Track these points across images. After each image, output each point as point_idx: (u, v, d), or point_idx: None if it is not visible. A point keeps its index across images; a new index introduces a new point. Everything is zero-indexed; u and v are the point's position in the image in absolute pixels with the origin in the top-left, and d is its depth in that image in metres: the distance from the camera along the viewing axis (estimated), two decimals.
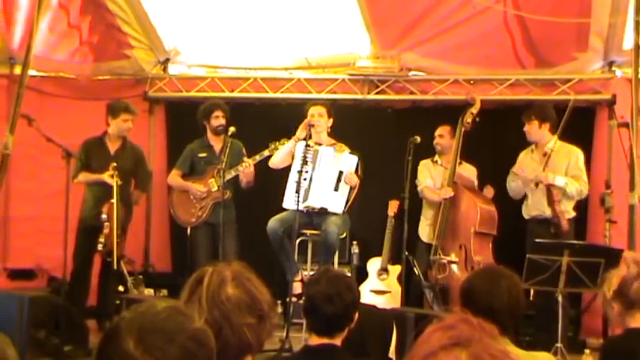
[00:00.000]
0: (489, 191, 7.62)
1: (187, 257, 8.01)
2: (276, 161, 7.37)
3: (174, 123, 9.19)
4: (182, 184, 7.81)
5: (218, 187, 7.55)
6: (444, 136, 7.75)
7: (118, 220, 7.21)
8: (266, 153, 7.46)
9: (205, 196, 7.67)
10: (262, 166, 7.59)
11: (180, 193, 7.84)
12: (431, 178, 7.80)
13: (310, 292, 3.53)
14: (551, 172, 6.96)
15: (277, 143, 7.38)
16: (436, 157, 7.86)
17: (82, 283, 7.64)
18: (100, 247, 7.24)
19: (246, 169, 7.49)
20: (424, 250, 7.53)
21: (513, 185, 7.41)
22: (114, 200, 7.19)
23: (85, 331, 6.84)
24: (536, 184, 6.99)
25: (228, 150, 7.50)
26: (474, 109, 7.39)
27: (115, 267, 7.22)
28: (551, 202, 6.89)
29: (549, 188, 6.90)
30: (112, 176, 7.24)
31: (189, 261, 7.87)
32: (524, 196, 7.41)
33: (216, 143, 7.78)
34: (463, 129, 7.40)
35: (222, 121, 7.70)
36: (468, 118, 7.38)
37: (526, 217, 7.37)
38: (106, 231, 7.25)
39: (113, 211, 7.19)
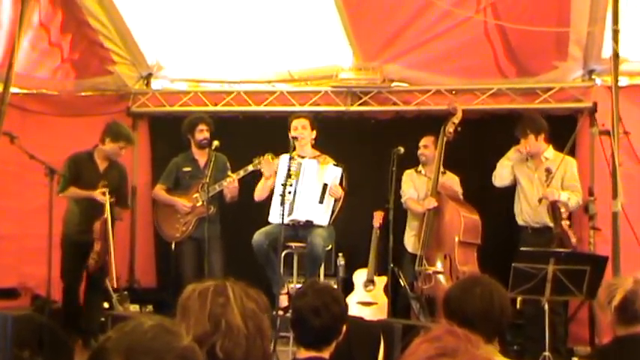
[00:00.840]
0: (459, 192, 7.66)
1: (172, 272, 8.01)
2: (260, 195, 7.44)
3: (158, 138, 9.17)
4: (167, 198, 7.80)
5: (203, 202, 7.55)
6: (428, 147, 7.77)
7: (114, 237, 7.28)
8: (250, 168, 7.46)
9: (190, 211, 7.66)
10: (247, 181, 7.60)
11: (165, 207, 7.84)
12: (414, 188, 7.82)
13: (297, 305, 3.52)
14: (556, 189, 6.98)
15: (261, 158, 7.39)
16: (420, 168, 7.88)
17: (76, 302, 7.61)
18: (92, 262, 7.26)
19: (230, 184, 7.50)
20: (410, 260, 7.54)
21: (505, 172, 7.41)
22: (107, 217, 7.23)
23: (70, 350, 6.78)
24: (540, 200, 7.00)
25: (212, 164, 7.50)
26: (456, 119, 7.42)
27: (115, 285, 7.33)
28: (557, 218, 6.86)
29: (555, 204, 6.88)
30: (104, 194, 7.28)
31: (173, 276, 7.85)
32: (516, 202, 7.42)
33: (201, 157, 7.79)
34: (445, 139, 7.43)
35: (207, 135, 7.72)
36: (450, 128, 7.41)
37: (520, 222, 7.37)
38: (97, 248, 7.24)
39: (107, 229, 7.24)
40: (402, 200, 7.77)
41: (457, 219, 7.28)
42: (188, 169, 7.79)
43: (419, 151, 7.80)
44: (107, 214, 7.27)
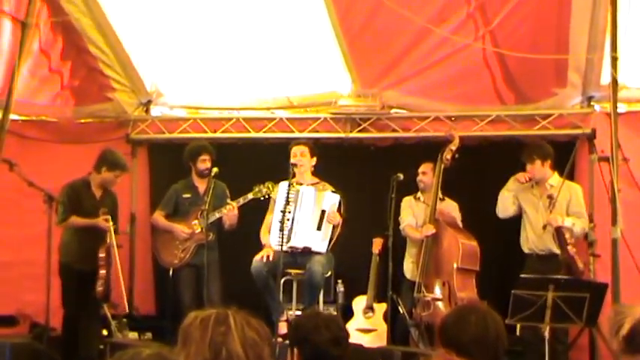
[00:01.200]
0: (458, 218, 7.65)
1: (170, 299, 7.99)
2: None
3: (157, 165, 9.16)
4: (166, 224, 7.80)
5: (201, 228, 7.54)
6: (427, 173, 7.77)
7: (120, 263, 7.37)
8: (250, 196, 7.48)
9: (189, 238, 7.65)
10: (246, 208, 7.59)
11: (164, 233, 7.83)
12: (413, 215, 7.80)
13: (315, 340, 3.49)
14: (559, 215, 6.97)
15: (262, 186, 7.41)
16: (418, 194, 7.87)
17: (75, 332, 7.52)
18: (101, 289, 7.32)
19: (230, 211, 7.50)
20: (409, 287, 7.51)
21: (507, 202, 7.42)
22: (113, 243, 7.35)
23: None
24: (544, 227, 7.00)
25: (211, 191, 7.50)
26: (453, 146, 7.43)
27: (127, 309, 7.61)
28: (563, 244, 6.85)
29: (560, 230, 6.88)
30: (107, 221, 7.34)
31: (171, 303, 7.82)
32: (522, 230, 7.42)
33: (201, 184, 7.81)
34: (443, 165, 7.43)
35: (209, 165, 7.75)
36: (448, 155, 7.42)
37: (526, 250, 7.36)
38: (102, 275, 7.33)
39: (114, 255, 7.34)
40: (401, 227, 7.75)
41: (455, 246, 7.26)
42: (188, 195, 7.80)
43: (417, 178, 7.81)
44: (112, 240, 7.34)
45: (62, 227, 7.53)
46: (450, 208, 7.69)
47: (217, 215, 7.53)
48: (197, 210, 7.67)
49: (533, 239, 7.28)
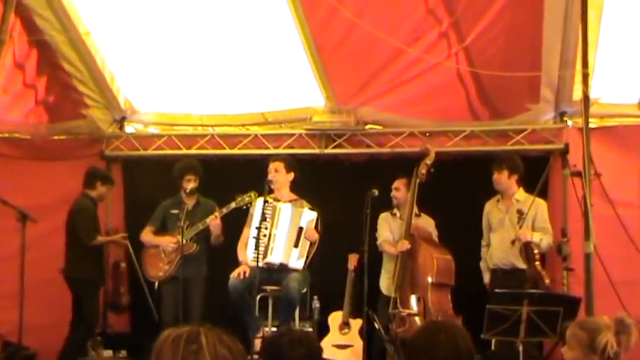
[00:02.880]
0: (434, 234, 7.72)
1: (147, 316, 7.96)
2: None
3: (132, 181, 9.13)
4: (153, 239, 7.86)
5: (186, 240, 7.55)
6: (399, 189, 7.80)
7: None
8: (233, 205, 7.50)
9: (175, 249, 7.62)
10: (231, 221, 7.58)
11: (150, 248, 7.87)
12: (390, 231, 7.83)
13: (291, 357, 3.49)
14: (527, 230, 7.02)
15: (244, 196, 7.40)
16: (394, 210, 7.90)
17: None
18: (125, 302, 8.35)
19: (212, 220, 7.49)
20: (384, 303, 7.52)
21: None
22: (133, 258, 8.01)
23: None
24: (513, 242, 7.04)
25: (191, 205, 7.77)
26: (429, 160, 7.46)
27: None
28: (530, 260, 6.90)
29: (528, 245, 6.93)
30: (125, 238, 8.10)
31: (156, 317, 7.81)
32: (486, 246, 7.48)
33: (189, 201, 7.81)
34: (418, 180, 7.45)
35: (194, 184, 7.81)
36: (423, 169, 7.44)
37: (491, 266, 7.41)
38: (124, 289, 8.35)
39: (136, 268, 7.99)
40: (378, 243, 7.78)
41: (430, 261, 7.28)
42: (175, 211, 7.78)
43: (391, 194, 7.83)
44: (132, 254, 8.02)
45: (92, 244, 7.80)
46: (427, 224, 7.71)
47: (202, 226, 7.56)
48: (184, 224, 7.68)
49: (498, 254, 7.33)
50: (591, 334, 3.51)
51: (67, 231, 7.87)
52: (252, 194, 7.39)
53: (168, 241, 7.69)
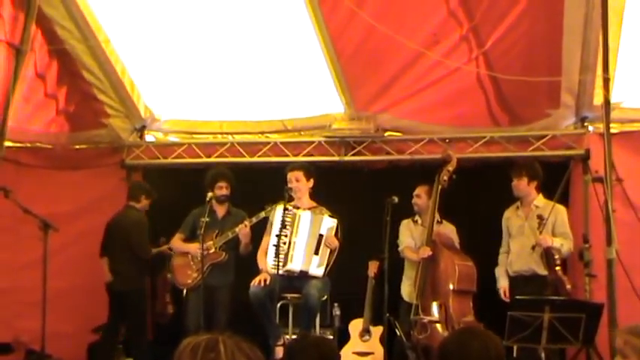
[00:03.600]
0: (455, 239, 7.71)
1: (169, 324, 8.01)
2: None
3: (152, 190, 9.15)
4: (182, 246, 7.88)
5: (216, 248, 7.58)
6: (421, 196, 7.79)
7: None
8: (262, 215, 7.49)
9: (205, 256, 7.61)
10: (259, 230, 7.59)
11: (179, 256, 7.87)
12: (412, 237, 7.82)
13: None
14: (549, 236, 6.99)
15: (275, 205, 7.39)
16: (416, 217, 7.89)
17: None
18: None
19: (241, 229, 7.49)
20: (406, 310, 7.50)
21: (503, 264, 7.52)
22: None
23: None
24: (533, 247, 7.01)
25: (222, 214, 7.87)
26: (451, 167, 7.43)
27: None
28: (551, 265, 6.88)
29: (549, 251, 6.91)
30: (170, 249, 8.20)
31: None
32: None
33: (219, 210, 7.82)
34: (440, 187, 7.42)
35: (226, 192, 7.83)
36: (445, 176, 7.41)
37: (511, 273, 7.38)
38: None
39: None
40: (400, 249, 7.77)
41: (452, 267, 7.25)
42: (206, 219, 7.72)
43: (412, 201, 7.82)
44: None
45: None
46: (448, 230, 7.69)
47: (231, 235, 7.57)
48: (213, 232, 7.70)
49: (518, 261, 7.30)
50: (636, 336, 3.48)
51: (117, 244, 8.05)
52: (284, 203, 7.37)
53: (196, 248, 7.68)
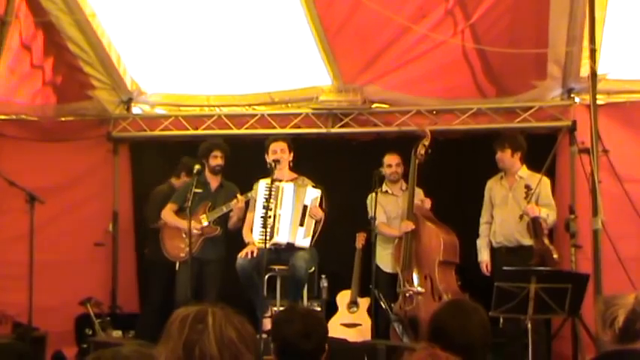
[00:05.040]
0: (427, 202, 7.68)
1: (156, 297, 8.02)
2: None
3: (139, 162, 9.15)
4: (175, 220, 7.74)
5: (209, 222, 7.55)
6: (397, 165, 7.78)
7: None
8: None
9: (197, 232, 7.58)
10: None
11: (171, 228, 7.79)
12: (384, 210, 7.80)
13: (285, 332, 3.52)
14: (536, 206, 7.02)
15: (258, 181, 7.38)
16: (385, 187, 7.85)
17: None
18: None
19: (236, 205, 7.47)
20: (387, 280, 7.54)
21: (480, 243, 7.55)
22: None
23: None
24: (521, 217, 7.04)
25: (215, 187, 7.77)
26: (426, 141, 7.48)
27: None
28: (539, 234, 6.92)
29: (536, 220, 6.94)
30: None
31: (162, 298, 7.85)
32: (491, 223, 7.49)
33: (213, 181, 7.79)
34: (417, 161, 7.45)
35: (221, 162, 7.76)
36: (422, 150, 7.46)
37: (494, 244, 7.41)
38: None
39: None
40: (375, 225, 7.66)
41: (436, 239, 7.31)
42: (199, 190, 7.67)
43: (390, 170, 7.79)
44: None
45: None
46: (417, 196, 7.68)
47: (225, 210, 7.54)
48: (205, 205, 7.67)
49: (502, 232, 7.33)
50: (606, 308, 3.51)
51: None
52: (270, 178, 7.35)
53: (193, 227, 7.59)
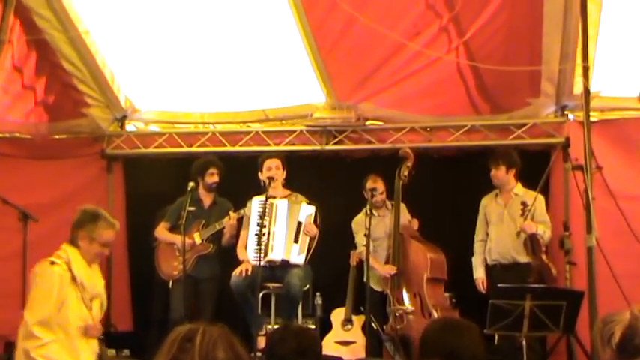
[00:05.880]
0: (415, 223, 7.67)
1: (150, 315, 7.97)
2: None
3: (133, 180, 9.13)
4: (168, 236, 7.77)
5: (202, 240, 7.54)
6: (381, 190, 7.70)
7: None
8: (249, 206, 7.44)
9: (189, 249, 7.56)
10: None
11: (166, 246, 7.80)
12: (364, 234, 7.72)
13: (279, 351, 3.51)
14: (533, 222, 7.02)
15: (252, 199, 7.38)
16: (367, 210, 7.56)
17: None
18: None
19: (228, 222, 7.46)
20: (377, 299, 7.51)
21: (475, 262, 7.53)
22: None
23: None
24: (518, 233, 7.04)
25: (208, 204, 7.74)
26: (410, 163, 7.48)
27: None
28: (536, 251, 6.93)
29: (534, 237, 6.95)
30: None
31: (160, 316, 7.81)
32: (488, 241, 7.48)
33: (206, 199, 7.79)
34: (401, 182, 7.45)
35: (217, 179, 7.78)
36: (405, 172, 7.46)
37: (489, 262, 7.41)
38: None
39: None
40: (358, 251, 7.68)
41: (423, 257, 7.33)
42: (192, 208, 7.67)
43: (376, 197, 7.60)
44: None
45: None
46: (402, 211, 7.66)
47: (218, 227, 7.54)
48: (199, 223, 7.66)
49: (496, 249, 7.33)
50: (603, 325, 3.49)
51: None
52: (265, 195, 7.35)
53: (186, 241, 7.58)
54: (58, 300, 5.01)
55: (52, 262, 5.13)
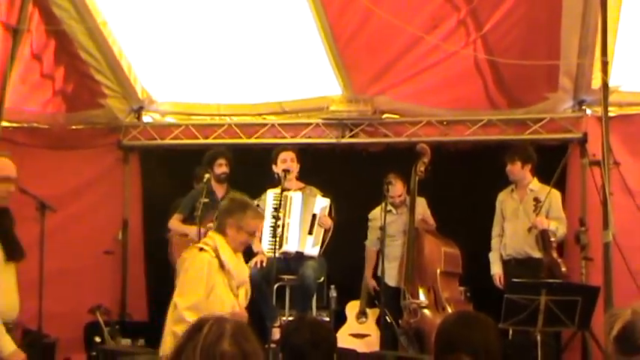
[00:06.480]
0: (430, 220, 7.72)
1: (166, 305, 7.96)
2: None
3: (149, 171, 9.15)
4: (182, 228, 7.79)
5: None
6: (398, 187, 7.69)
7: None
8: (263, 198, 7.44)
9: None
10: None
11: (179, 237, 7.81)
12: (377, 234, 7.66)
13: (294, 342, 3.52)
14: (545, 218, 7.01)
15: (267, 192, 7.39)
16: (389, 207, 7.65)
17: None
18: None
19: None
20: (391, 294, 7.50)
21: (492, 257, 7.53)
22: None
23: None
24: (529, 229, 7.02)
25: (221, 196, 7.64)
26: (426, 159, 7.47)
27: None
28: (547, 247, 6.92)
29: (545, 233, 6.93)
30: None
31: None
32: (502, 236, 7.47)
33: (219, 190, 7.80)
34: (417, 178, 7.45)
35: (226, 169, 7.78)
36: (421, 167, 7.47)
37: (504, 257, 7.39)
38: None
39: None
40: (367, 244, 7.84)
41: (437, 251, 7.36)
42: (206, 200, 7.68)
43: (394, 198, 7.63)
44: None
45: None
46: (420, 205, 7.65)
47: None
48: (213, 213, 7.66)
49: (512, 244, 7.31)
50: (608, 318, 3.50)
51: None
52: (280, 187, 7.36)
53: (197, 231, 7.62)
54: (207, 286, 5.01)
55: (201, 249, 5.14)
